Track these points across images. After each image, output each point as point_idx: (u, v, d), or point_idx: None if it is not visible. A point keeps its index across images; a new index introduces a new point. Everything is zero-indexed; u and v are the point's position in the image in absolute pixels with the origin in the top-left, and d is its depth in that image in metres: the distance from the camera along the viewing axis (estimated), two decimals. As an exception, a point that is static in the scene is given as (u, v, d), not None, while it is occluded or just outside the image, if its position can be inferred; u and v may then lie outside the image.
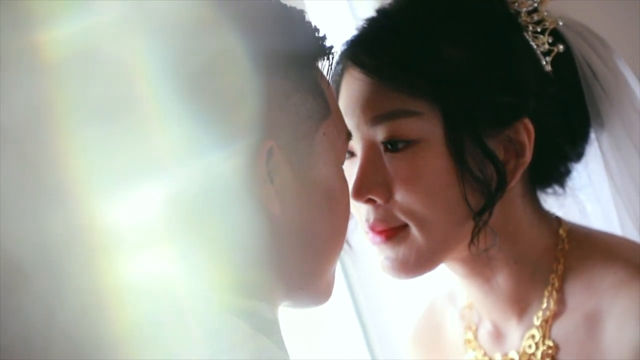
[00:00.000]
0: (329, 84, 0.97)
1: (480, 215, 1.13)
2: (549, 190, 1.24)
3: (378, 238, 1.16)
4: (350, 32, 1.20)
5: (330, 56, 0.96)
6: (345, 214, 0.98)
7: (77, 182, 0.82)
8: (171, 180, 0.86)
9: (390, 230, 1.15)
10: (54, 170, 0.82)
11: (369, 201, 1.15)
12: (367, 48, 1.16)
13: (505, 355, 1.23)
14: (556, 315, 1.18)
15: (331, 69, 0.96)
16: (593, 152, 1.25)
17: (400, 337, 1.74)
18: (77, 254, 0.83)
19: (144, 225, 0.86)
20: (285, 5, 0.94)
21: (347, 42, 1.18)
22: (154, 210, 0.86)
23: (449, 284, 1.39)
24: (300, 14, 0.94)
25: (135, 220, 0.85)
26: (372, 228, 1.16)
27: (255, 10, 0.90)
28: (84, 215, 0.83)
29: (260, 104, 0.88)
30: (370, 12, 1.22)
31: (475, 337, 1.28)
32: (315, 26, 0.94)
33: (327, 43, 0.96)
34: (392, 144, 1.13)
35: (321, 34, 0.95)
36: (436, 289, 1.44)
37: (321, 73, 0.96)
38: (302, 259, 0.93)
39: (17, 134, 0.81)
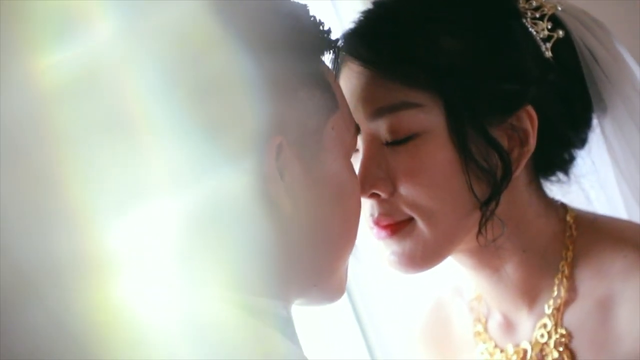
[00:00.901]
0: (335, 77, 0.98)
1: (487, 205, 1.15)
2: (553, 178, 1.27)
3: (383, 233, 1.18)
4: (335, 31, 1.21)
5: (336, 49, 0.98)
6: (357, 209, 1.00)
7: (85, 201, 0.84)
8: (181, 187, 0.87)
9: (396, 225, 1.17)
10: (61, 191, 0.83)
11: (373, 196, 1.16)
12: (365, 40, 1.17)
13: (517, 345, 1.25)
14: (567, 302, 1.21)
15: (337, 62, 0.98)
16: (596, 139, 1.27)
17: (398, 334, 1.77)
18: (86, 270, 0.84)
19: (155, 234, 0.88)
20: (288, 1, 0.96)
21: (344, 34, 1.20)
22: (165, 218, 0.88)
23: (449, 280, 1.41)
24: (304, 8, 0.96)
25: (145, 230, 0.87)
26: (377, 223, 1.18)
27: (259, 6, 0.92)
28: (92, 233, 0.85)
29: (268, 100, 0.89)
30: (354, 12, 1.24)
31: (485, 329, 1.30)
32: (319, 20, 0.96)
33: (332, 36, 0.97)
34: (395, 137, 1.15)
35: (325, 28, 0.97)
36: (435, 285, 1.46)
37: (327, 67, 0.98)
38: (314, 256, 0.95)
39: (21, 156, 0.82)
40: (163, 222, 0.87)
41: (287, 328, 0.92)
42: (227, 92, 0.88)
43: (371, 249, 1.22)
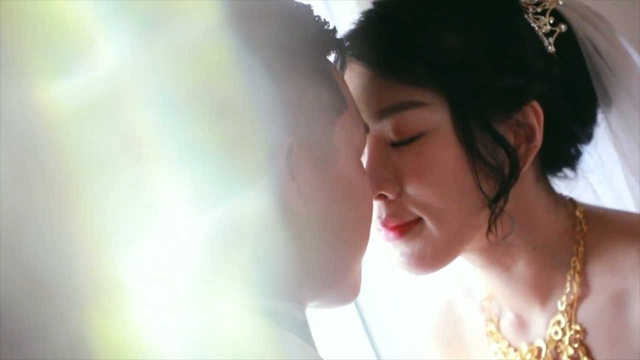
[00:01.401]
0: (342, 76, 0.98)
1: (495, 202, 1.15)
2: (560, 174, 1.27)
3: (392, 234, 1.18)
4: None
5: (342, 49, 0.98)
6: (369, 208, 1.00)
7: (107, 224, 0.85)
8: (201, 205, 0.88)
9: (404, 225, 1.17)
10: (81, 216, 0.84)
11: (380, 197, 1.16)
12: (366, 40, 1.17)
13: (531, 344, 1.25)
14: (581, 298, 1.21)
15: (344, 61, 0.98)
16: (602, 133, 1.28)
17: (403, 335, 1.77)
18: (107, 293, 0.85)
19: (175, 251, 0.88)
20: (292, 1, 0.96)
21: (345, 35, 1.20)
22: (186, 234, 0.88)
23: (455, 280, 1.41)
24: (308, 8, 0.96)
25: (165, 248, 0.88)
26: (385, 224, 1.18)
27: (264, 9, 0.92)
28: (112, 256, 0.85)
29: (278, 103, 0.89)
30: (349, 12, 1.24)
31: (498, 328, 1.30)
32: (324, 19, 0.96)
33: (337, 35, 0.98)
34: (400, 137, 1.15)
35: (330, 27, 0.97)
36: (440, 285, 1.46)
37: (334, 66, 0.98)
38: (328, 257, 0.95)
39: (38, 183, 0.83)
40: (184, 238, 0.88)
41: (304, 330, 0.92)
42: (241, 105, 0.88)
43: (376, 250, 1.21)
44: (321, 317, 1.65)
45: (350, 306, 1.82)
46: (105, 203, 0.84)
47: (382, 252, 1.23)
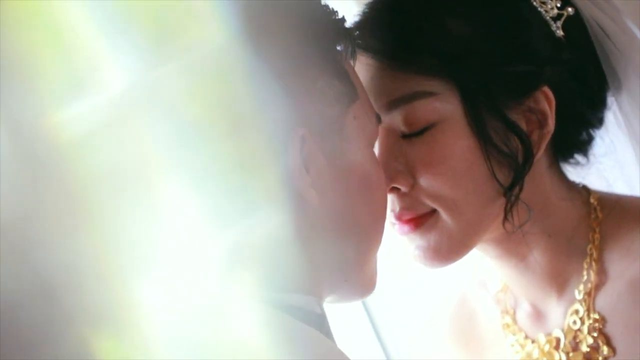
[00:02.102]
0: (352, 66, 0.97)
1: (510, 190, 1.14)
2: (572, 160, 1.26)
3: (406, 227, 1.16)
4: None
5: (351, 38, 0.97)
6: (383, 200, 0.99)
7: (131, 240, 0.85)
8: (221, 215, 0.89)
9: (419, 218, 1.16)
10: (98, 237, 0.84)
11: (393, 190, 1.15)
12: (372, 31, 1.16)
13: (548, 334, 1.24)
14: (598, 286, 1.20)
15: (354, 51, 0.97)
16: (612, 118, 1.26)
17: (411, 332, 1.76)
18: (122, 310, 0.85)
19: (195, 258, 0.88)
20: None
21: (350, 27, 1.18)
22: (200, 233, 0.88)
23: (466, 273, 1.40)
24: None
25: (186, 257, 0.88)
26: (399, 218, 1.16)
27: (272, 2, 0.91)
28: (131, 277, 0.85)
29: (289, 93, 0.88)
30: (346, 9, 1.23)
31: (514, 320, 1.29)
32: (332, 9, 0.95)
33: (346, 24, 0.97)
34: (411, 128, 1.13)
35: (339, 16, 0.96)
36: (451, 278, 1.45)
37: (344, 56, 0.97)
38: (344, 249, 0.95)
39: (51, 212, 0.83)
40: (200, 238, 0.88)
41: (322, 324, 0.92)
42: (253, 107, 0.88)
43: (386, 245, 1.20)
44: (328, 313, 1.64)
45: (357, 302, 1.81)
46: (117, 217, 0.84)
47: (392, 247, 1.21)
